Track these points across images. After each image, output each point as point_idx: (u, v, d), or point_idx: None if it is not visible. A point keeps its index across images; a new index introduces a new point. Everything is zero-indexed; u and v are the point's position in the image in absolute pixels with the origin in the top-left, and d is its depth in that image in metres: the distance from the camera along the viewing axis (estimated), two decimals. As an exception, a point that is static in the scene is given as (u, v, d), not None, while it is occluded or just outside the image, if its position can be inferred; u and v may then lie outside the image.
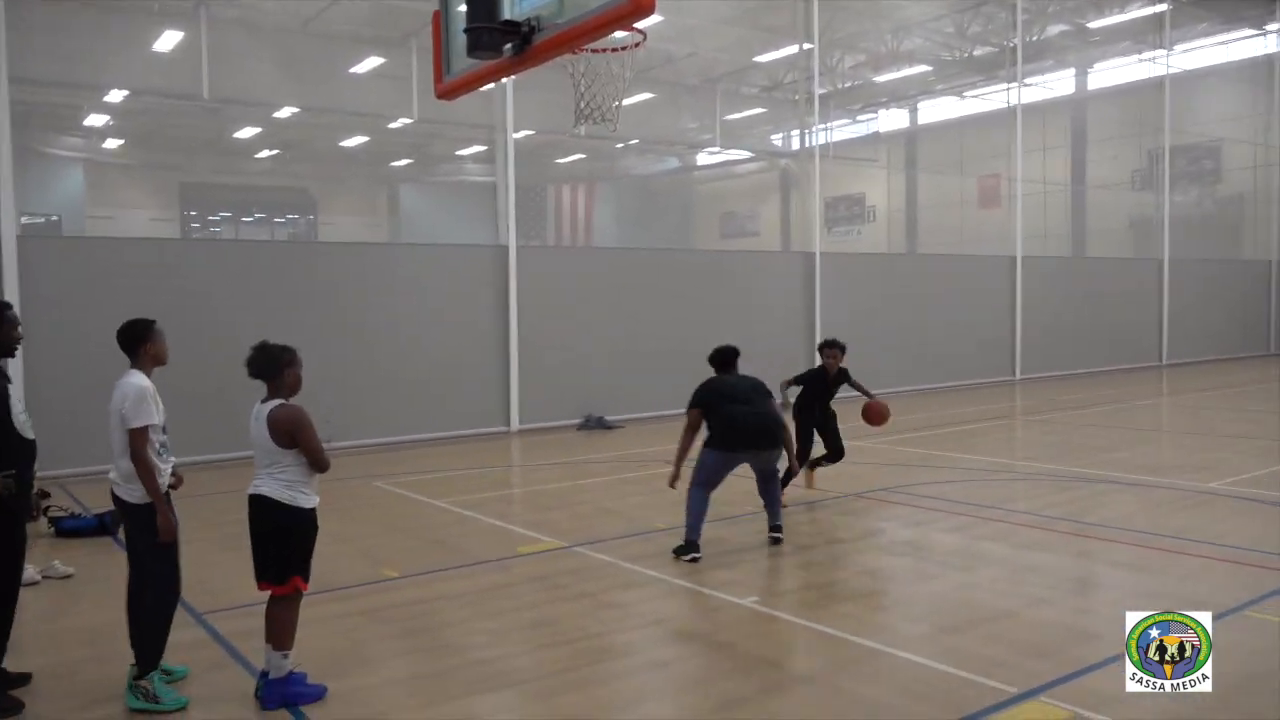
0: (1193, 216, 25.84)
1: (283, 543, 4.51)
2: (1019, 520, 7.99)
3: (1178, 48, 24.28)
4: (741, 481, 10.09)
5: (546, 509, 8.95)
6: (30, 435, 4.68)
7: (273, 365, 4.54)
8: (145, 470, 4.44)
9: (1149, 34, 23.65)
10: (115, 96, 21.20)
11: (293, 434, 4.44)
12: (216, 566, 7.06)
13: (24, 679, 4.82)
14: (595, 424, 14.26)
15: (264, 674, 4.61)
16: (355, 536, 8.05)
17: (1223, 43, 25.86)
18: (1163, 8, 23.12)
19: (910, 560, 7.01)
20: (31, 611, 5.97)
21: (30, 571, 6.53)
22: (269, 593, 4.58)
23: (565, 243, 30.93)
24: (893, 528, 8.03)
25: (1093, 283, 22.43)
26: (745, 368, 16.30)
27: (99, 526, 8.12)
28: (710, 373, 7.69)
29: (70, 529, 8.08)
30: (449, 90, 5.10)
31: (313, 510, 4.58)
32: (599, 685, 4.77)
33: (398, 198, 35.35)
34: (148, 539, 4.54)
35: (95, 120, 25.30)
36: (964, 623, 5.50)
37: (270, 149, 29.74)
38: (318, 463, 4.51)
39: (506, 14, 4.58)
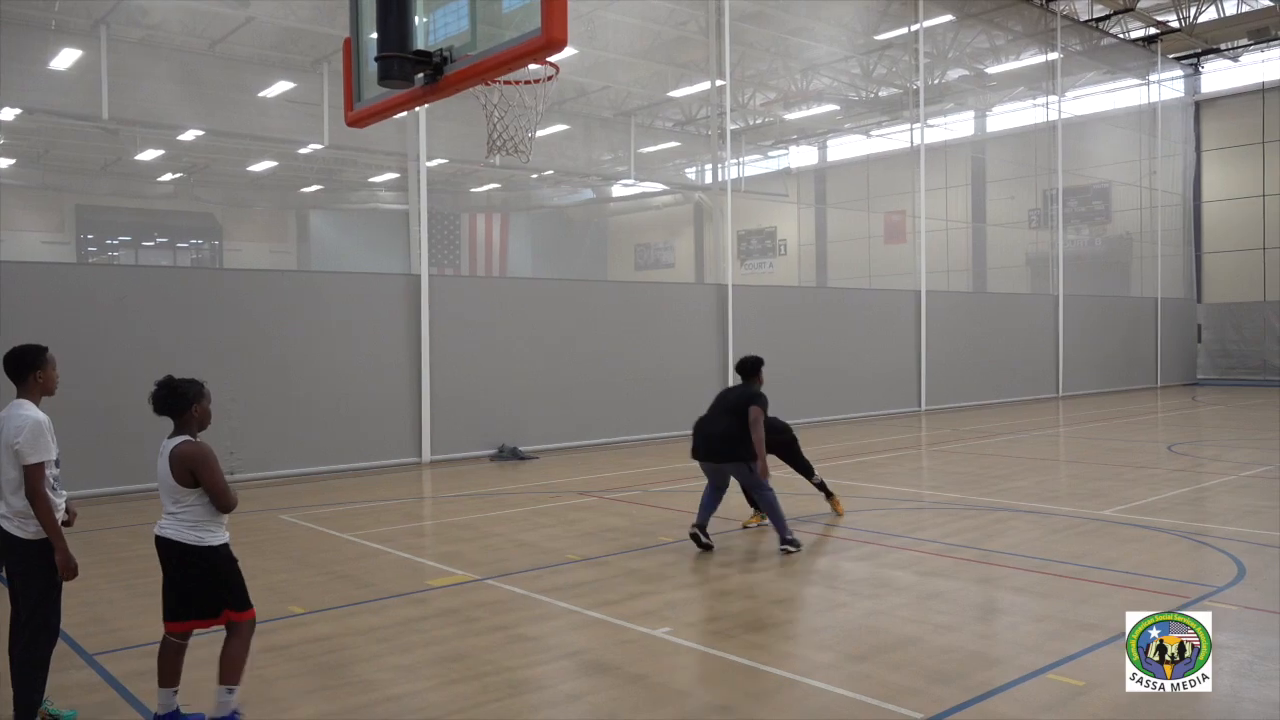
0: (1085, 254, 27.09)
1: (196, 582, 4.38)
2: (925, 549, 8.18)
3: (1069, 94, 25.55)
4: (655, 511, 10.14)
5: (458, 541, 8.82)
6: None
7: (180, 401, 4.40)
8: (43, 507, 4.25)
9: (1042, 80, 24.84)
10: (7, 114, 20.40)
11: (195, 471, 4.29)
12: (113, 604, 6.76)
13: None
14: (509, 455, 14.14)
15: (158, 716, 4.43)
16: (261, 572, 7.79)
17: (1110, 90, 27.30)
18: (1054, 56, 24.31)
19: (820, 589, 7.11)
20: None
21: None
22: (177, 632, 4.46)
23: (480, 272, 30.80)
24: (804, 556, 8.14)
25: (993, 317, 23.26)
26: (658, 396, 16.42)
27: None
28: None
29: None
30: (360, 118, 5.05)
31: (223, 545, 4.44)
32: (510, 721, 4.70)
33: (308, 224, 34.76)
34: (36, 577, 4.34)
35: (-14, 139, 24.28)
36: (871, 650, 5.60)
37: (174, 172, 28.96)
38: (221, 502, 4.35)
39: (419, 44, 4.57)
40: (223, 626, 4.49)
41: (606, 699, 4.95)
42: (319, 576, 7.56)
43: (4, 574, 4.53)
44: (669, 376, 16.76)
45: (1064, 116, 24.96)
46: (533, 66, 4.81)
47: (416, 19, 4.64)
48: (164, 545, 4.41)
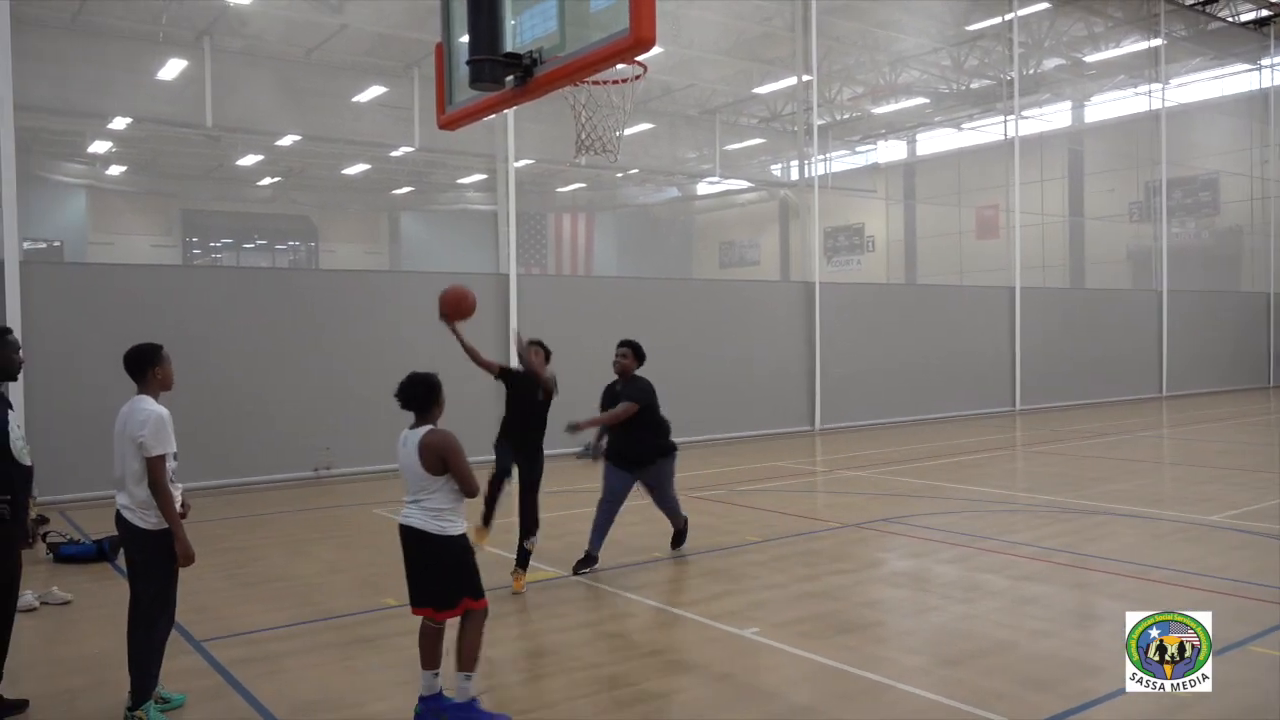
0: (1190, 248, 25.98)
1: (439, 572, 4.56)
2: (1019, 552, 7.96)
3: (1173, 81, 24.52)
4: (741, 511, 10.09)
5: (544, 538, 8.91)
6: (27, 461, 4.68)
7: (430, 395, 4.64)
8: (164, 498, 4.45)
9: (1144, 68, 23.90)
10: (119, 124, 21.36)
11: (445, 459, 4.50)
12: (217, 593, 7.03)
13: (21, 705, 4.79)
14: (594, 452, 14.21)
15: (424, 698, 4.61)
16: (353, 565, 8.02)
17: (1217, 77, 26.12)
18: (1157, 43, 23.37)
19: (910, 591, 6.98)
20: (29, 638, 5.93)
21: (28, 597, 6.50)
22: (423, 618, 4.66)
23: (565, 271, 31.07)
24: (892, 559, 8.01)
25: (1092, 314, 22.49)
26: (743, 394, 16.30)
27: (98, 553, 8.08)
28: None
29: (69, 555, 8.04)
30: (451, 121, 5.15)
31: (462, 535, 4.63)
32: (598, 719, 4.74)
33: (398, 225, 35.56)
34: (155, 566, 4.54)
35: (98, 147, 25.49)
36: (964, 655, 5.48)
37: (272, 176, 29.94)
38: (469, 488, 4.58)
39: (509, 46, 4.63)
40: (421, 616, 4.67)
41: (692, 698, 4.95)
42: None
43: (123, 561, 4.75)
44: (755, 374, 16.66)
45: (1168, 105, 23.97)
46: (620, 66, 4.83)
47: (506, 22, 4.71)
48: (409, 534, 4.59)
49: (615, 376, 7.97)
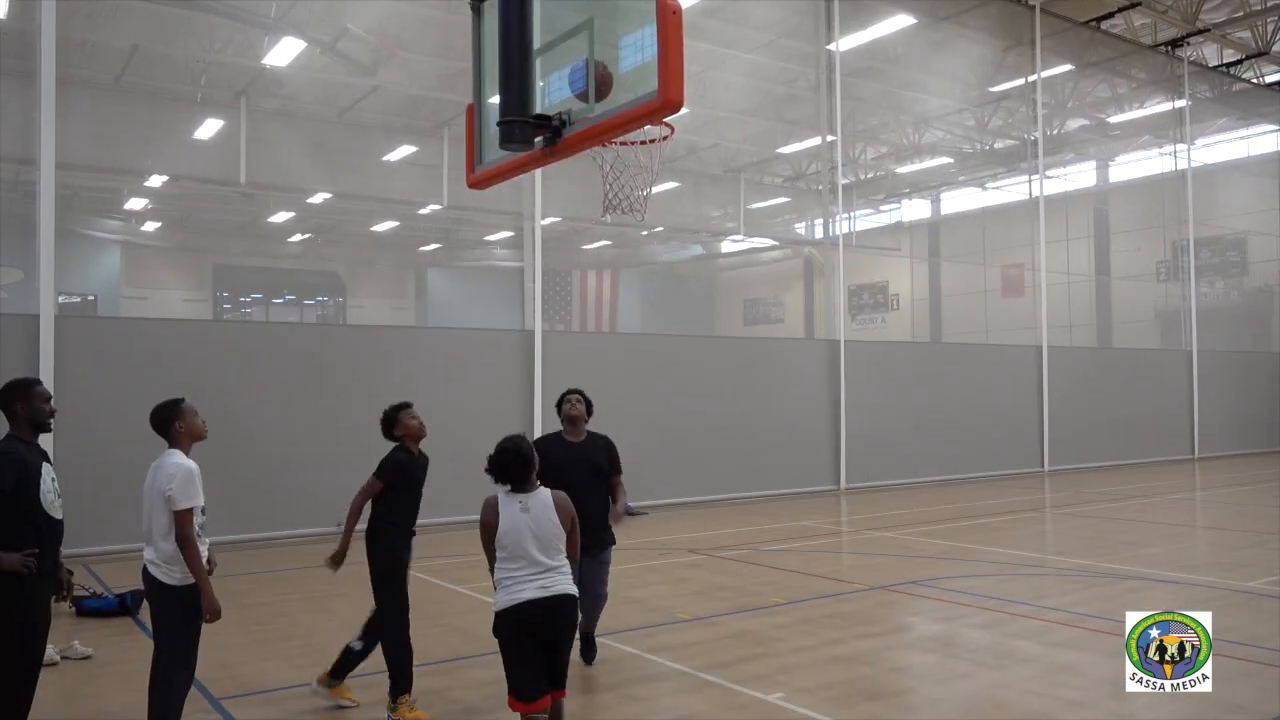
0: (1219, 308, 25.74)
1: (572, 638, 4.44)
2: (1051, 617, 7.78)
3: (1198, 142, 24.53)
4: (767, 572, 9.95)
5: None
6: (58, 515, 4.69)
7: (533, 461, 4.45)
8: (192, 552, 4.41)
9: (1169, 129, 23.95)
10: (155, 181, 21.87)
11: (573, 518, 4.43)
12: (238, 650, 6.99)
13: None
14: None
15: None
16: (374, 622, 7.94)
17: (1243, 137, 26.11)
18: (1182, 104, 23.44)
19: (939, 657, 6.82)
20: (48, 693, 5.90)
21: (49, 652, 6.48)
22: (528, 714, 4.29)
23: (590, 328, 31.23)
24: (921, 623, 7.85)
25: (1120, 374, 22.24)
26: (767, 452, 16.17)
27: (120, 607, 8.07)
28: None
29: (91, 609, 8.03)
30: (481, 180, 5.21)
31: None
32: (620, 784, 4.63)
33: (425, 281, 35.97)
34: (179, 622, 4.49)
35: (135, 203, 26.07)
36: (998, 724, 5.32)
37: (302, 233, 30.49)
38: (577, 552, 4.52)
39: (539, 108, 4.70)
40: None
41: (718, 765, 4.83)
42: (431, 628, 7.66)
43: (147, 617, 4.72)
44: (780, 433, 16.56)
45: (1194, 165, 23.96)
46: (649, 127, 4.89)
47: (536, 84, 4.79)
48: (567, 604, 4.29)
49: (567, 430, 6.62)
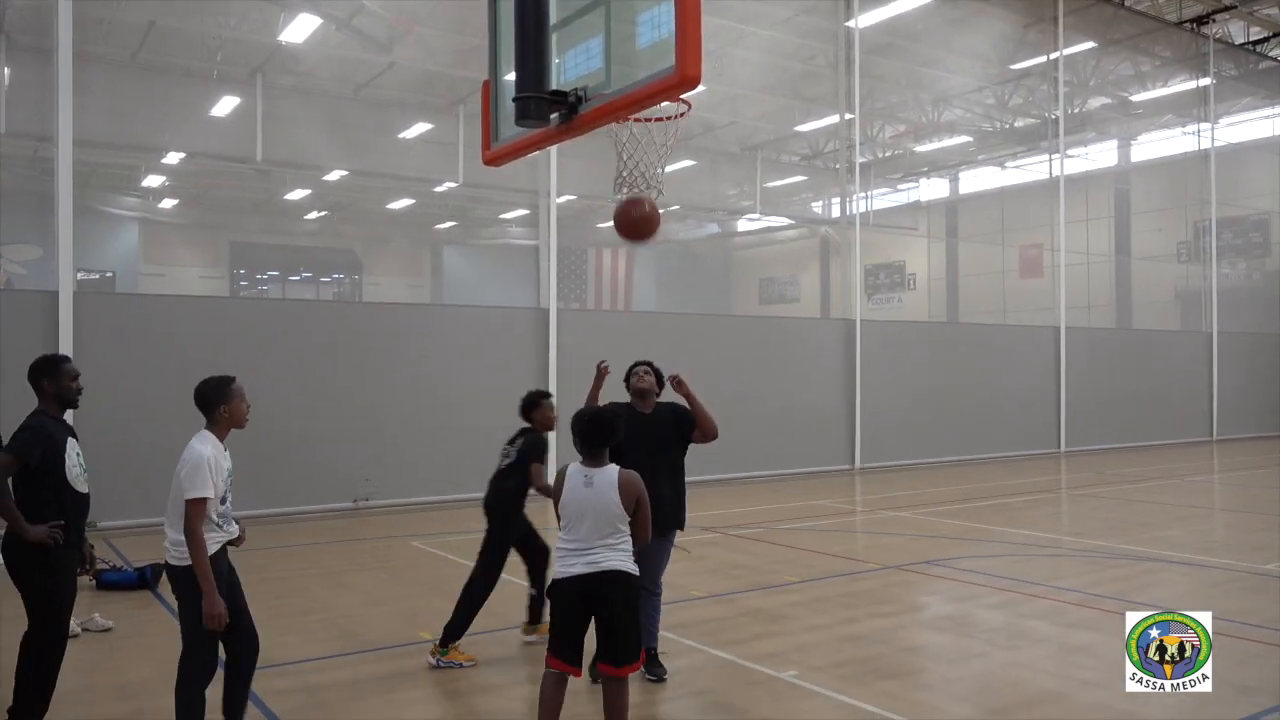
0: (1241, 290, 25.46)
1: (634, 617, 4.36)
2: (1066, 598, 7.76)
3: (1222, 121, 24.20)
4: (781, 550, 9.96)
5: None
6: (84, 489, 4.74)
7: (613, 432, 4.42)
8: (196, 543, 4.18)
9: (1192, 107, 23.62)
10: (172, 158, 21.90)
11: (639, 499, 4.34)
12: (257, 624, 7.02)
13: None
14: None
15: None
16: (392, 597, 8.02)
17: (1268, 116, 25.73)
18: (1206, 82, 23.11)
19: (954, 636, 6.82)
20: (69, 664, 5.95)
21: (71, 624, 6.56)
22: (565, 673, 4.33)
23: (605, 306, 31.19)
24: (936, 602, 7.85)
25: (1139, 355, 22.08)
26: (783, 431, 16.06)
27: (140, 580, 8.16)
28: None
29: (111, 582, 8.13)
30: (496, 157, 5.18)
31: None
32: (634, 758, 4.66)
33: (441, 259, 36.00)
34: (191, 609, 4.27)
35: (152, 181, 26.15)
36: (1011, 704, 5.33)
37: (319, 210, 30.49)
38: (648, 535, 4.43)
39: (554, 84, 4.67)
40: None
41: (731, 741, 4.85)
42: (448, 604, 7.67)
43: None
44: (796, 412, 16.53)
45: (1217, 145, 23.64)
46: (665, 104, 4.85)
47: (552, 60, 4.75)
48: (608, 579, 4.25)
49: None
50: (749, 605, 7.56)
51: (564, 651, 4.29)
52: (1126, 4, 20.91)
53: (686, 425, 5.94)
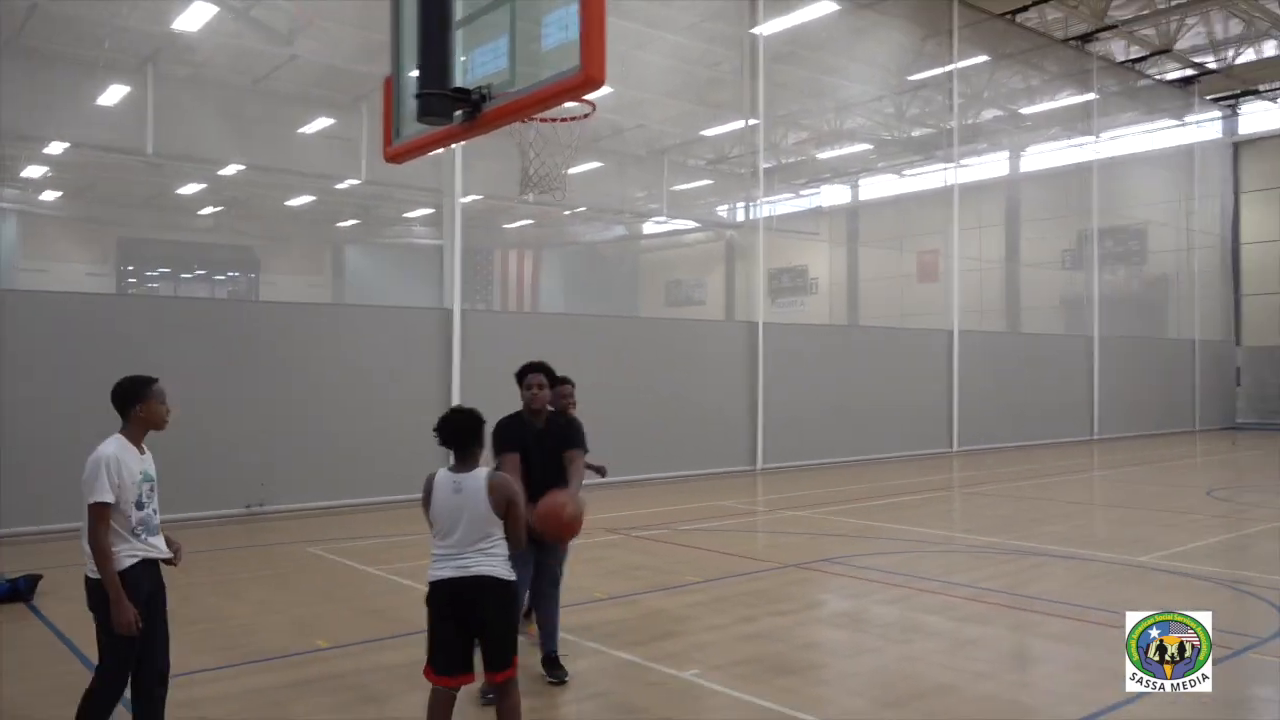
0: (1121, 296, 26.77)
1: (508, 625, 4.22)
2: (958, 593, 8.03)
3: (1105, 135, 25.39)
4: (683, 551, 10.05)
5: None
6: None
7: (478, 431, 4.30)
8: (99, 550, 3.96)
9: (1077, 121, 24.73)
10: (55, 148, 20.89)
11: (511, 502, 4.18)
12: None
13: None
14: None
15: None
16: (287, 605, 7.81)
17: (1147, 131, 27.12)
18: (1090, 97, 24.22)
19: (849, 632, 6.99)
20: (-65, 682, 5.65)
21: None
22: (441, 686, 4.21)
23: (511, 307, 30.98)
24: (833, 599, 8.02)
25: (1027, 358, 22.99)
26: (686, 433, 16.23)
27: (11, 592, 7.74)
28: None
29: (-19, 594, 7.70)
30: (398, 154, 5.10)
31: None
32: (535, 762, 4.64)
33: (343, 258, 35.21)
34: (103, 622, 4.04)
35: (33, 171, 24.87)
36: (905, 696, 5.48)
37: (214, 206, 29.47)
38: (521, 540, 4.25)
39: (458, 81, 4.62)
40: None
41: (633, 742, 4.87)
42: (345, 611, 7.55)
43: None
44: (700, 413, 16.70)
45: (1100, 157, 24.80)
46: (569, 104, 4.85)
47: (456, 56, 4.70)
48: (479, 584, 4.12)
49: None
50: (650, 606, 7.60)
51: (439, 661, 4.17)
52: (1018, 20, 21.74)
53: (569, 442, 5.77)
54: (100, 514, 3.97)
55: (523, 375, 5.79)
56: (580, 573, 8.79)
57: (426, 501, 4.28)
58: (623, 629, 6.91)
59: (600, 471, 7.02)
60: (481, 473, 4.21)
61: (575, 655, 6.26)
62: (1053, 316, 26.80)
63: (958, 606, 7.58)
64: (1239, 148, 28.69)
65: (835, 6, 18.67)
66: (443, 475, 4.27)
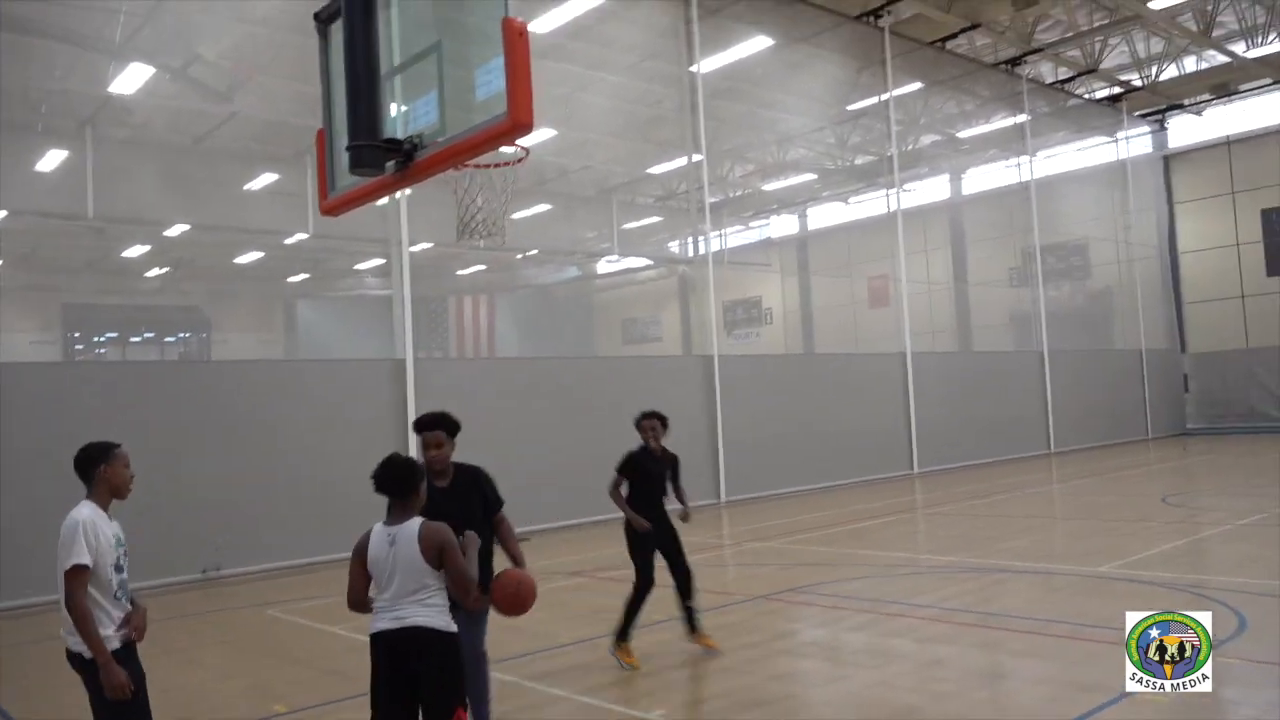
0: (1067, 310, 27.29)
1: (449, 677, 4.00)
2: (923, 614, 8.05)
3: (1040, 154, 26.02)
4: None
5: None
6: None
7: (414, 479, 4.14)
8: (79, 615, 3.87)
9: (1012, 142, 25.33)
10: (-7, 217, 20.55)
11: (444, 552, 4.00)
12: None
13: None
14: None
15: None
16: (244, 670, 7.62)
17: (1080, 149, 27.85)
18: (1023, 119, 24.84)
19: (818, 661, 6.97)
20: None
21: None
22: None
23: (468, 354, 30.84)
24: (802, 629, 8.01)
25: (980, 376, 23.29)
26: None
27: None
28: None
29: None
30: (334, 207, 5.08)
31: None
32: (501, 815, 4.55)
33: (295, 313, 34.91)
34: (98, 697, 3.92)
35: (-30, 242, 24.41)
36: (872, 722, 5.47)
37: (160, 267, 29.14)
38: (467, 590, 4.03)
39: (391, 132, 4.63)
40: None
41: (601, 787, 4.80)
42: (305, 673, 7.39)
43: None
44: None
45: (1036, 176, 25.39)
46: (505, 149, 4.88)
47: (390, 109, 4.72)
48: (416, 636, 3.94)
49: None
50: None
51: (382, 715, 3.99)
52: (948, 47, 22.29)
53: (489, 498, 5.36)
54: (80, 578, 3.90)
55: (419, 430, 5.24)
56: (545, 618, 8.69)
57: (360, 556, 4.13)
58: (587, 673, 6.83)
59: (684, 518, 7.66)
60: (414, 523, 4.08)
61: (538, 705, 6.17)
62: (1003, 334, 27.24)
63: (923, 628, 7.60)
64: (1169, 161, 29.53)
65: (770, 42, 19.02)
66: (378, 529, 4.15)
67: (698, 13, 17.41)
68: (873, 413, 20.44)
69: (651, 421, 7.59)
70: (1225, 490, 15.93)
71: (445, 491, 5.08)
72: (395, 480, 4.09)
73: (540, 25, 16.93)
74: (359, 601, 4.12)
